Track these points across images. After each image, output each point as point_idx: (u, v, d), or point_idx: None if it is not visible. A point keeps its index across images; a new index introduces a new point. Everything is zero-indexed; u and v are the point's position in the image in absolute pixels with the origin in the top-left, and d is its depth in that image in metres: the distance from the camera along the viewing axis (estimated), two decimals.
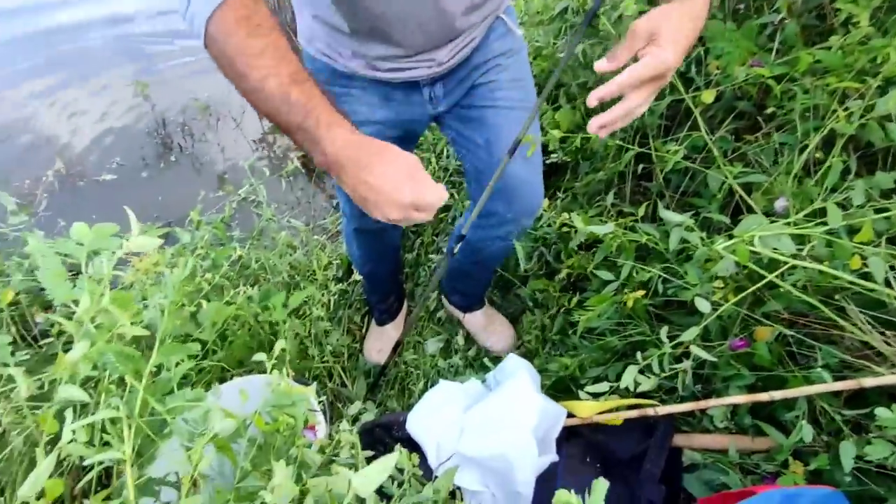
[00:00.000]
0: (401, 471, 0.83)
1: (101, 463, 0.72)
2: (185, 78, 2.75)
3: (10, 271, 1.21)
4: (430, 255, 1.82)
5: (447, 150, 2.01)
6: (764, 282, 0.84)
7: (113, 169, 2.26)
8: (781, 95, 1.06)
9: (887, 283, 0.76)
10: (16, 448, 0.91)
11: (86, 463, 0.67)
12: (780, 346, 0.94)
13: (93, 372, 0.68)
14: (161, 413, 0.69)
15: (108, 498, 0.66)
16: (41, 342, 1.22)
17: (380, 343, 1.59)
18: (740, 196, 1.08)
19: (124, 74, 2.71)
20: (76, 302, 0.75)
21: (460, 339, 1.57)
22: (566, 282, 1.43)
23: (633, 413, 0.99)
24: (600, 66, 0.70)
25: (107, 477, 0.77)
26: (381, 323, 1.63)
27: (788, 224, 0.84)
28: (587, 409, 1.01)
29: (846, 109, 0.94)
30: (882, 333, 0.83)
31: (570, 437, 1.02)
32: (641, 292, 1.05)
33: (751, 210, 1.04)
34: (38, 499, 0.51)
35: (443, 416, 0.95)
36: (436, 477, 0.82)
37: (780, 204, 0.99)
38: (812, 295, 0.85)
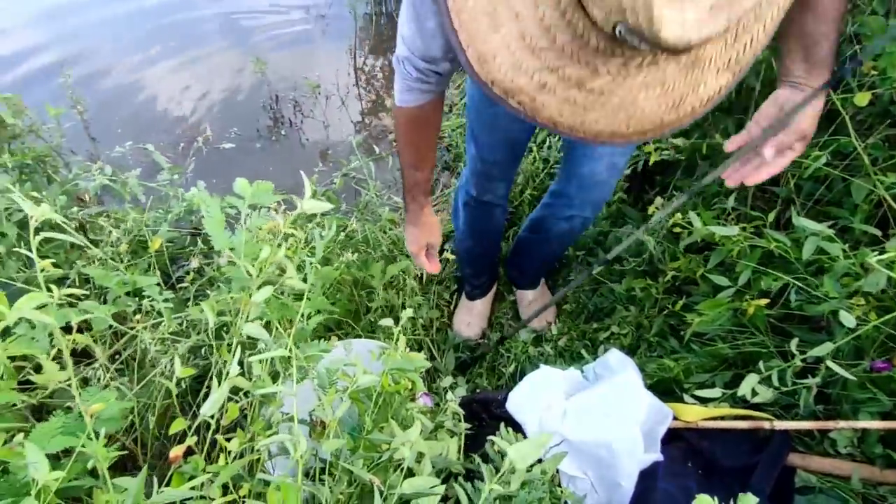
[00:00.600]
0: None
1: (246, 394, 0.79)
2: (299, 59, 2.93)
3: (157, 223, 1.35)
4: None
5: (549, 141, 1.99)
6: None
7: (231, 138, 2.45)
8: None
9: None
10: (158, 373, 1.02)
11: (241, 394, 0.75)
12: None
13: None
14: (300, 359, 0.75)
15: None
16: (177, 287, 1.36)
17: (469, 317, 1.64)
18: (888, 207, 0.99)
19: (246, 53, 2.93)
20: (232, 249, 0.83)
21: (554, 329, 1.57)
22: (671, 284, 1.39)
23: (745, 424, 0.95)
24: (731, 145, 0.85)
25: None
26: (471, 297, 1.66)
27: None
28: (693, 413, 0.98)
29: None
30: None
31: (672, 439, 0.99)
32: (765, 301, 1.00)
33: None
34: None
35: (545, 399, 0.96)
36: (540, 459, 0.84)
37: None
38: None
